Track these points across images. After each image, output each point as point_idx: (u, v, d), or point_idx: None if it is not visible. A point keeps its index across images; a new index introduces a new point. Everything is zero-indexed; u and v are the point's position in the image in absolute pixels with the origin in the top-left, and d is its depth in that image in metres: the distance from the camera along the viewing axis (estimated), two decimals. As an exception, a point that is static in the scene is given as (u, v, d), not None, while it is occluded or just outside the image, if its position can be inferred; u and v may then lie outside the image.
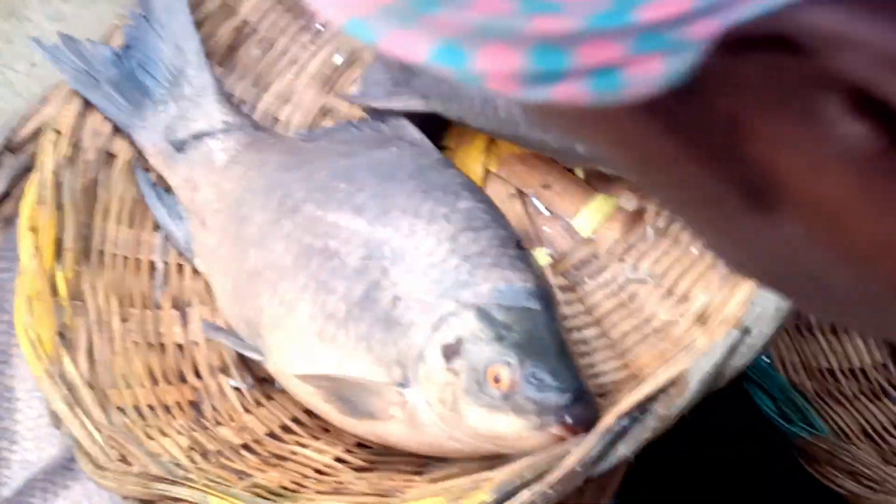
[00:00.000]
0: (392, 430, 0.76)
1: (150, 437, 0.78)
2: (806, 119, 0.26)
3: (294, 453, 0.81)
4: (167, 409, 0.83)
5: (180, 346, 0.88)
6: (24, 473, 0.88)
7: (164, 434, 0.79)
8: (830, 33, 0.24)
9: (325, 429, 0.83)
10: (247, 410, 0.85)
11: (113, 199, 0.91)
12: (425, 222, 0.78)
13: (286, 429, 0.84)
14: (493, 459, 0.73)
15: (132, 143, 0.93)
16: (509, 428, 0.71)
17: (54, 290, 0.83)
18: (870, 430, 0.92)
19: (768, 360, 0.91)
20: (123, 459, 0.75)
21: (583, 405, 0.70)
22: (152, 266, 0.91)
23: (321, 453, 0.81)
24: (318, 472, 0.80)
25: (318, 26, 1.02)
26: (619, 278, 0.86)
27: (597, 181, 0.91)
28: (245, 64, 1.00)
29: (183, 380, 0.86)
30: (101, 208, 0.90)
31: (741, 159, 0.27)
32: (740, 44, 0.25)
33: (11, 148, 0.94)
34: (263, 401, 0.86)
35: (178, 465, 0.76)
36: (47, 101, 0.94)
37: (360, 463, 0.81)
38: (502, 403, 0.71)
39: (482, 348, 0.72)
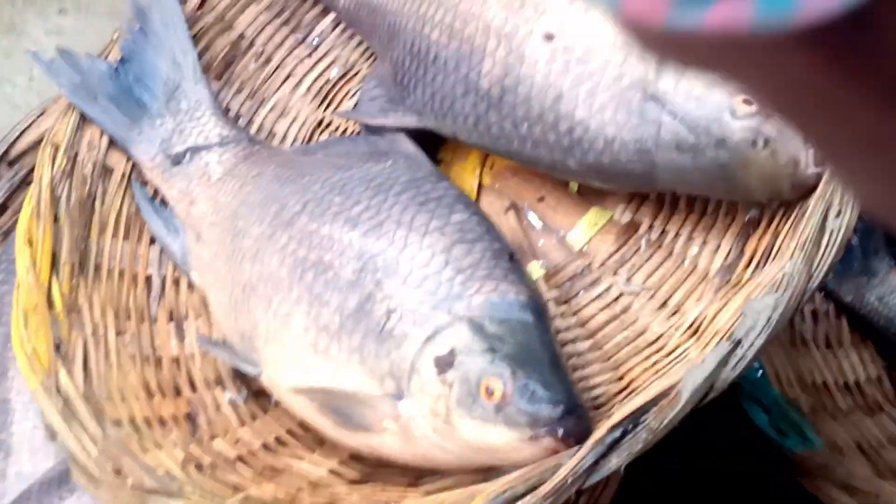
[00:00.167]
0: (386, 443, 0.76)
1: (145, 450, 0.78)
2: None
3: (289, 466, 0.81)
4: (162, 422, 0.83)
5: (176, 360, 0.88)
6: (19, 485, 0.88)
7: (159, 447, 0.79)
8: None
9: (319, 441, 0.83)
10: (242, 423, 0.85)
11: (109, 213, 0.91)
12: (419, 235, 0.78)
13: (281, 441, 0.84)
14: (487, 471, 0.73)
15: (129, 156, 0.94)
16: (502, 440, 0.71)
17: (50, 304, 0.83)
18: (864, 445, 0.92)
19: (763, 374, 0.92)
20: (118, 472, 0.75)
21: (575, 417, 0.70)
22: (148, 279, 0.91)
23: (316, 466, 0.81)
24: (313, 484, 0.80)
25: (314, 40, 1.02)
26: (613, 291, 0.87)
27: (590, 194, 0.91)
28: (242, 78, 1.01)
29: (178, 393, 0.86)
30: (98, 221, 0.90)
31: None
32: None
33: (9, 161, 0.94)
34: (258, 413, 0.86)
35: (173, 478, 0.76)
36: (45, 115, 0.94)
37: (355, 475, 0.81)
38: (495, 415, 0.71)
39: (475, 360, 0.72)
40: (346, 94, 1.01)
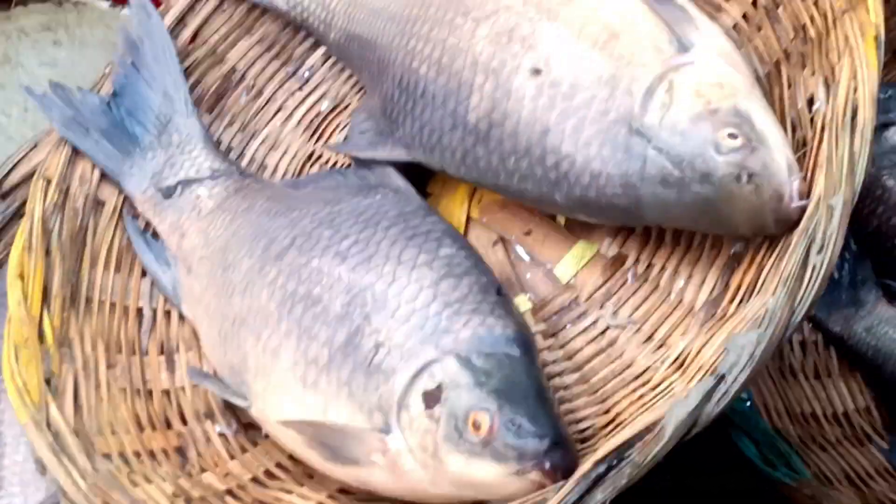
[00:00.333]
0: (374, 476, 0.76)
1: (134, 484, 0.79)
2: None
3: (278, 499, 0.81)
4: (153, 455, 0.83)
5: (167, 392, 0.88)
6: (9, 519, 0.88)
7: (148, 481, 0.80)
8: None
9: (308, 475, 0.83)
10: (231, 456, 0.85)
11: (101, 246, 0.92)
12: (407, 269, 0.78)
13: (270, 475, 0.84)
14: (474, 505, 0.73)
15: (120, 189, 0.94)
16: (489, 474, 0.71)
17: (41, 337, 0.84)
18: (853, 476, 0.93)
19: (751, 405, 0.92)
20: (108, 506, 0.76)
21: (561, 451, 0.70)
22: (139, 312, 0.92)
23: (304, 499, 0.81)
24: (302, 517, 0.80)
25: (305, 74, 1.03)
26: (600, 324, 0.87)
27: (577, 228, 0.92)
28: (233, 111, 1.01)
29: (169, 426, 0.86)
30: (90, 254, 0.91)
31: None
32: None
33: (2, 193, 0.95)
34: (248, 446, 0.86)
35: (161, 511, 0.76)
36: (37, 148, 0.95)
37: (344, 509, 0.81)
38: (482, 450, 0.71)
39: (462, 395, 0.73)
40: (337, 126, 1.02)
